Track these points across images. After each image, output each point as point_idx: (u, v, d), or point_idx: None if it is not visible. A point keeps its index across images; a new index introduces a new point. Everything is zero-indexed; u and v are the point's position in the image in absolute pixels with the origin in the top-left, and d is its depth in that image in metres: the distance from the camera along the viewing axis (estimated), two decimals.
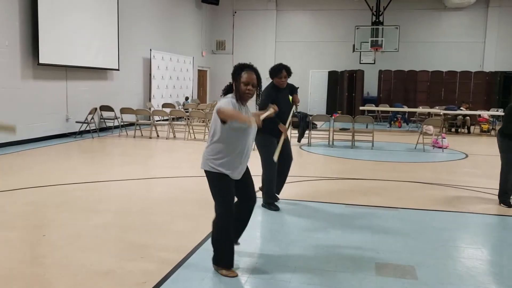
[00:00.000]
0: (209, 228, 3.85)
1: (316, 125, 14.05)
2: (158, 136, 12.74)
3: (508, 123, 5.85)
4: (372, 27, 19.21)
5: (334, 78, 21.26)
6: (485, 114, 15.67)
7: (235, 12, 22.24)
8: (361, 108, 17.85)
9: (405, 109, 17.53)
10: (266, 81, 5.45)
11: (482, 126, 15.35)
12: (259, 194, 5.86)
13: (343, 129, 12.26)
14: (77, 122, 12.10)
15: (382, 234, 4.75)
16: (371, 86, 20.77)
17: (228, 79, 3.71)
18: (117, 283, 3.47)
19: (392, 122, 17.66)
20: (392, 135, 14.56)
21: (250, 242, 4.36)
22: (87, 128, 12.14)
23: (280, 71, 5.41)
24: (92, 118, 12.18)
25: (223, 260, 3.65)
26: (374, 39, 19.01)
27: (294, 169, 8.36)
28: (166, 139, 12.27)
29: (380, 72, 20.32)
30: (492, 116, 15.71)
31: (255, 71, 3.60)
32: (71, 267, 3.73)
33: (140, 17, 15.78)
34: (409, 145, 11.91)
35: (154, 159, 9.72)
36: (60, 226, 4.80)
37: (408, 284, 3.57)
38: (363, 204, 5.95)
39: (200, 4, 20.83)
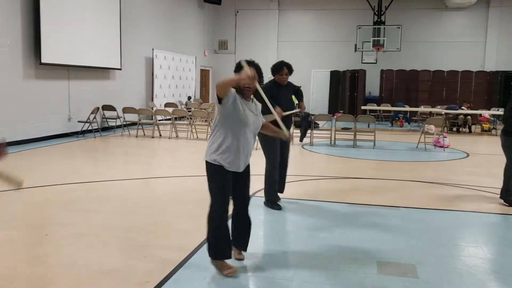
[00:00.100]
0: None
1: (318, 124, 14.05)
2: (160, 135, 12.76)
3: (509, 118, 5.87)
4: (374, 26, 19.21)
5: (336, 77, 21.27)
6: (486, 113, 15.67)
7: (237, 12, 22.26)
8: (363, 107, 17.86)
9: (407, 108, 17.53)
10: (268, 80, 5.48)
11: (483, 125, 15.36)
12: (261, 194, 5.89)
13: (345, 129, 12.27)
14: (79, 121, 12.12)
15: (383, 233, 4.76)
16: (373, 86, 20.78)
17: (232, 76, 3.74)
18: (119, 282, 3.49)
19: (394, 122, 17.67)
20: (393, 134, 14.57)
21: (252, 241, 4.37)
22: (89, 128, 12.17)
23: (281, 68, 5.48)
24: (94, 117, 12.20)
25: (216, 250, 3.62)
26: (376, 38, 19.01)
27: (296, 169, 8.40)
28: (169, 138, 12.29)
29: (382, 71, 20.34)
30: (493, 115, 15.71)
31: (256, 66, 3.65)
32: (74, 267, 3.75)
33: (142, 16, 15.80)
34: (410, 145, 11.92)
35: (156, 159, 9.74)
36: (62, 225, 4.82)
37: (409, 283, 3.58)
38: (365, 203, 5.97)
39: (202, 3, 20.84)
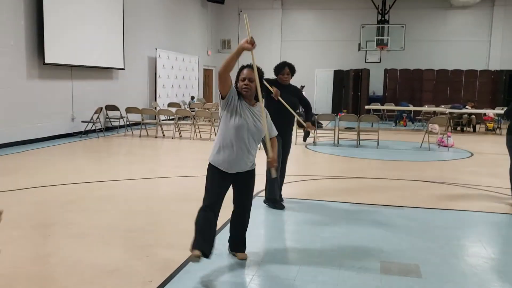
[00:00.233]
0: None
1: (322, 124, 14.03)
2: (163, 135, 12.77)
3: (510, 110, 5.85)
4: (378, 25, 19.18)
5: (339, 77, 21.24)
6: (490, 112, 15.60)
7: (241, 11, 22.25)
8: (366, 107, 17.82)
9: (411, 108, 17.51)
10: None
11: (488, 124, 15.29)
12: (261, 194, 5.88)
13: (348, 128, 12.25)
14: (82, 121, 12.15)
15: (387, 233, 4.75)
16: (376, 85, 20.73)
17: (233, 78, 3.77)
18: (123, 282, 3.49)
19: (398, 121, 17.63)
20: (397, 134, 14.54)
21: (255, 240, 4.38)
22: (93, 128, 12.19)
23: (283, 68, 5.55)
24: (98, 117, 12.23)
25: (195, 241, 3.54)
26: (380, 38, 18.99)
27: (299, 168, 8.39)
28: (172, 138, 12.30)
29: (386, 71, 20.29)
30: (498, 114, 15.64)
31: (258, 70, 3.73)
32: (77, 266, 3.76)
33: (145, 16, 15.82)
34: (414, 144, 11.89)
35: (160, 159, 9.75)
36: (66, 225, 4.83)
37: (413, 282, 3.57)
38: (368, 202, 5.95)
39: (206, 3, 20.86)
